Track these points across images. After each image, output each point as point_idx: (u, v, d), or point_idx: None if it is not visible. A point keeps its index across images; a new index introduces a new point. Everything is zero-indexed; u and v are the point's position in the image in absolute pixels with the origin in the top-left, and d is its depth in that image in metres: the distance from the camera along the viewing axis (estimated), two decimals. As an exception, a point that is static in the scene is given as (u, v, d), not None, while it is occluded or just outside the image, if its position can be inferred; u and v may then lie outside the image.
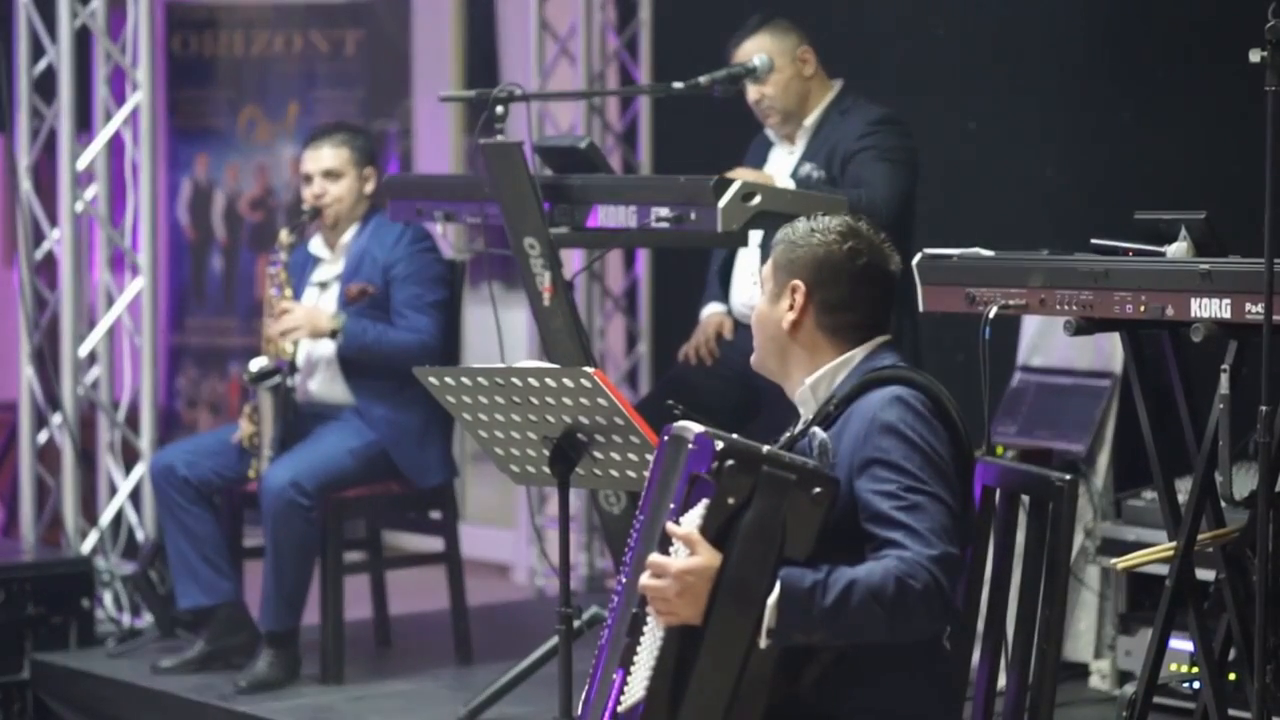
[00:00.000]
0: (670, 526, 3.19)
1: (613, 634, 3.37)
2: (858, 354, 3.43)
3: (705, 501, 3.17)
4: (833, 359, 3.43)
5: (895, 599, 3.13)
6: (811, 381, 3.43)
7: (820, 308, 3.42)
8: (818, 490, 3.16)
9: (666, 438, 3.36)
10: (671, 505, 3.23)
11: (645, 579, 3.20)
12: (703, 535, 3.17)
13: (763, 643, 3.15)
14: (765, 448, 3.20)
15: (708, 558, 3.16)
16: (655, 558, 3.20)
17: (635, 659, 3.21)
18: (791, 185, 5.51)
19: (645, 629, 3.23)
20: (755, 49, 5.64)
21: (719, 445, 3.16)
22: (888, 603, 3.13)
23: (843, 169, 5.55)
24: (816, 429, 3.35)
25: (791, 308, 3.43)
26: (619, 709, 3.20)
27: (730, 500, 3.16)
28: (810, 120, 5.71)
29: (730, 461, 3.15)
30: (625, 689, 3.21)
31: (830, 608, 3.13)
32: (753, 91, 5.65)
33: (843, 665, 3.26)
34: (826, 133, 5.65)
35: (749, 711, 3.19)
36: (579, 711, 3.38)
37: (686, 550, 3.18)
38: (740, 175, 5.11)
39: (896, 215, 5.35)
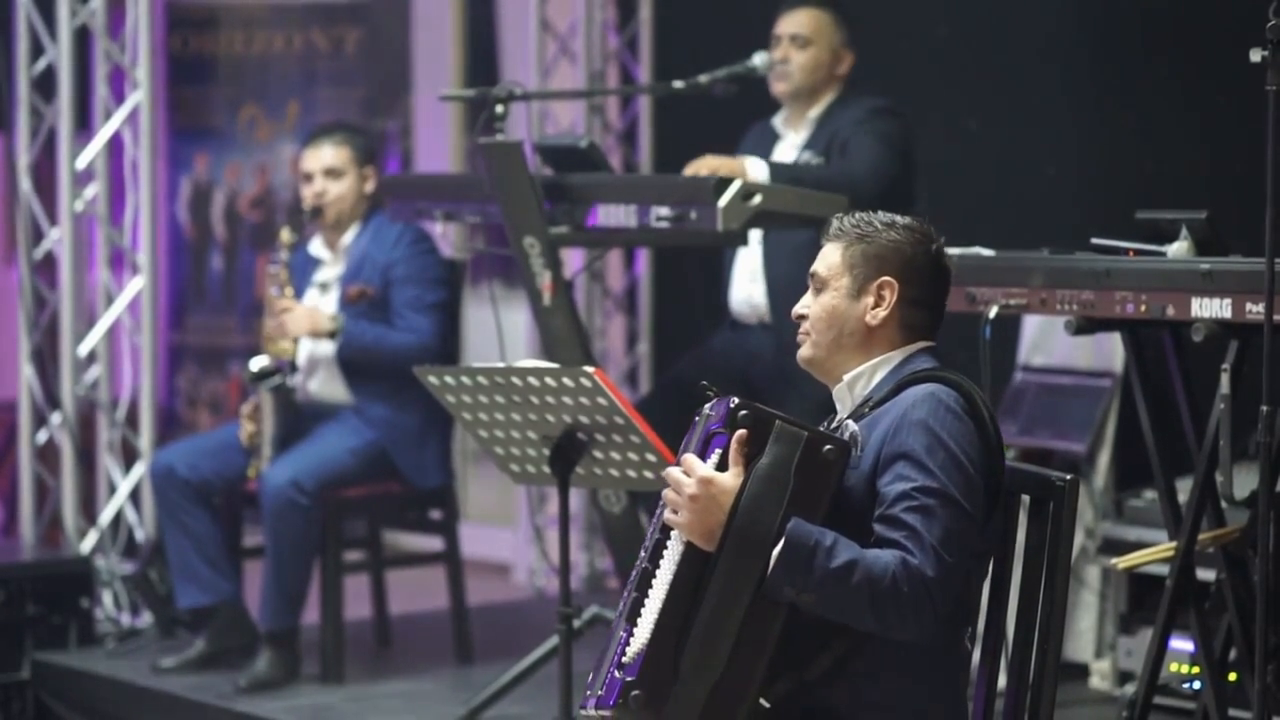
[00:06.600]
0: (688, 457, 3.29)
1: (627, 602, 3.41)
2: (896, 355, 3.43)
3: (719, 450, 3.28)
4: (884, 354, 3.44)
5: (886, 596, 3.16)
6: (849, 378, 3.44)
7: (907, 305, 3.43)
8: (829, 448, 3.24)
9: (698, 418, 3.42)
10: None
11: (673, 472, 3.28)
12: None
13: None
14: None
15: (730, 478, 3.24)
16: (688, 457, 3.29)
17: (641, 612, 3.26)
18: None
19: (653, 583, 3.28)
20: (806, 21, 5.70)
21: (734, 402, 3.28)
22: (879, 596, 3.16)
23: (841, 153, 5.57)
24: (849, 421, 3.37)
25: (879, 304, 3.43)
26: (623, 659, 3.23)
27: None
28: (815, 113, 5.74)
29: (744, 413, 3.26)
30: (630, 642, 3.25)
31: (828, 575, 3.17)
32: (782, 49, 5.67)
33: (855, 660, 3.26)
34: (829, 123, 5.68)
35: (750, 664, 3.21)
36: (584, 697, 3.37)
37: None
38: (707, 164, 5.14)
39: (877, 190, 5.32)
